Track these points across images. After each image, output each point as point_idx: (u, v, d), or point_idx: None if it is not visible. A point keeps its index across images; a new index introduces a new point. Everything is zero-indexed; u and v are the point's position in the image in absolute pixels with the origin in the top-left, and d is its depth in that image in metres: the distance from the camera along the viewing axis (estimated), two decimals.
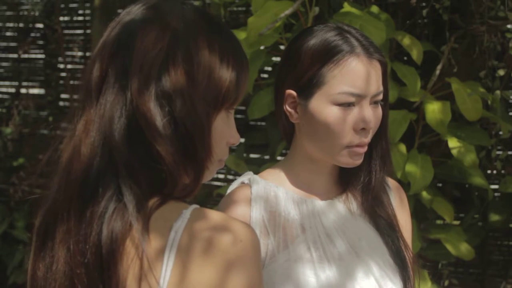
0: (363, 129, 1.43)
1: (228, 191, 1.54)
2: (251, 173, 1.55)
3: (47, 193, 1.12)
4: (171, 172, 1.06)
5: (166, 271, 1.01)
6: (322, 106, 1.43)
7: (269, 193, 1.50)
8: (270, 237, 1.46)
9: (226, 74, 1.09)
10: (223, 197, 1.54)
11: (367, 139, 1.44)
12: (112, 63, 1.08)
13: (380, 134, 1.50)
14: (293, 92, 1.47)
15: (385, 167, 1.52)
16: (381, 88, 1.45)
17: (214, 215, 1.05)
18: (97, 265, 1.04)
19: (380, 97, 1.45)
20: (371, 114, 1.43)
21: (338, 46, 1.43)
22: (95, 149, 1.07)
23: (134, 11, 1.12)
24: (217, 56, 1.09)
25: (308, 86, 1.44)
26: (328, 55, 1.43)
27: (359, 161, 1.47)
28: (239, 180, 1.55)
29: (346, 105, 1.42)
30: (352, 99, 1.42)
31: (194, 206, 1.07)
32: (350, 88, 1.41)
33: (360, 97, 1.42)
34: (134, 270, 1.03)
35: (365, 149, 1.45)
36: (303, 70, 1.45)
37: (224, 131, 1.13)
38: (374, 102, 1.45)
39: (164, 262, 1.02)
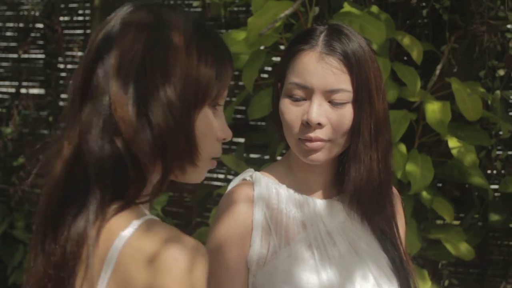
0: (308, 123, 1.43)
1: (229, 187, 1.54)
2: (252, 170, 1.56)
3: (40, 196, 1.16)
4: (141, 175, 1.08)
5: (104, 278, 1.03)
6: (282, 97, 1.49)
7: (271, 191, 1.51)
8: (272, 234, 1.47)
9: (204, 72, 1.11)
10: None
11: (314, 134, 1.43)
12: (95, 68, 1.10)
13: (353, 136, 1.46)
14: (279, 84, 1.52)
15: (365, 172, 1.47)
16: (339, 86, 1.43)
17: (162, 231, 1.04)
18: (63, 266, 1.07)
19: (340, 96, 1.43)
20: (317, 109, 1.43)
21: (302, 41, 1.48)
22: (75, 152, 1.10)
23: (116, 15, 1.14)
24: (195, 54, 1.10)
25: (281, 79, 1.51)
26: (293, 50, 1.48)
27: (312, 157, 1.45)
28: (240, 176, 1.55)
29: (293, 96, 1.45)
30: (297, 90, 1.45)
31: (148, 217, 1.07)
32: (296, 79, 1.45)
33: (306, 89, 1.44)
34: (81, 274, 1.06)
35: (315, 145, 1.44)
36: (281, 63, 1.53)
37: (209, 127, 1.14)
38: (333, 101, 1.44)
39: (103, 268, 1.04)
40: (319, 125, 1.43)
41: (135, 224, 1.04)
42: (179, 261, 1.00)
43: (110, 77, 1.08)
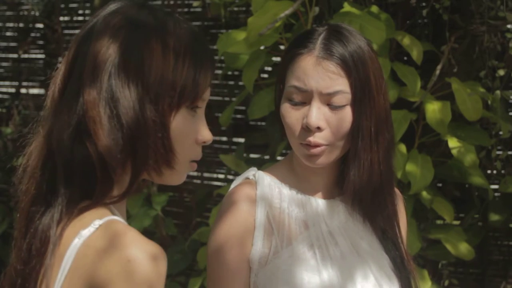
0: (308, 127, 1.43)
1: (232, 186, 1.54)
2: (255, 169, 1.55)
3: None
4: (108, 176, 1.07)
5: (62, 276, 1.04)
6: (283, 100, 1.49)
7: (274, 190, 1.51)
8: (274, 234, 1.47)
9: (181, 74, 1.09)
10: (223, 197, 1.55)
11: (314, 139, 1.43)
12: (72, 68, 1.10)
13: (353, 138, 1.46)
14: (281, 86, 1.52)
15: (366, 174, 1.47)
16: (337, 89, 1.43)
17: (120, 232, 1.02)
18: (29, 262, 1.08)
19: (338, 99, 1.43)
20: (316, 113, 1.42)
21: (301, 45, 1.47)
22: (49, 150, 1.11)
23: (100, 14, 1.13)
24: (171, 56, 1.09)
25: (282, 81, 1.50)
26: (290, 52, 1.49)
27: (314, 162, 1.45)
28: (244, 175, 1.55)
29: (293, 102, 1.45)
30: (296, 93, 1.45)
31: (111, 218, 1.06)
32: (294, 82, 1.45)
33: (305, 93, 1.44)
34: (42, 271, 1.07)
35: (316, 150, 1.44)
36: (281, 65, 1.52)
37: (187, 130, 1.12)
38: (332, 104, 1.43)
39: (61, 267, 1.04)
40: (318, 129, 1.43)
41: (96, 223, 1.04)
42: (134, 263, 0.98)
43: (85, 76, 1.07)
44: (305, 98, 1.45)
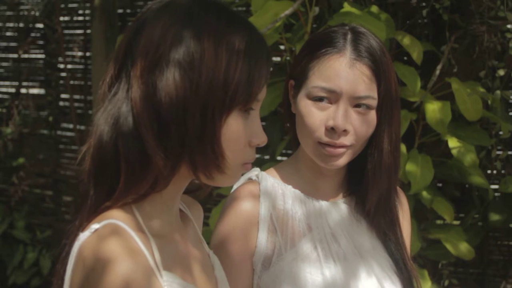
0: (333, 129, 1.41)
1: (235, 186, 1.53)
2: (258, 169, 1.54)
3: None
4: (131, 174, 1.04)
5: (67, 279, 1.03)
6: (301, 99, 1.46)
7: (277, 191, 1.50)
8: (277, 235, 1.46)
9: (233, 74, 1.03)
10: (223, 197, 1.54)
11: (339, 141, 1.42)
12: (122, 64, 1.07)
13: (373, 142, 1.47)
14: (292, 82, 1.50)
15: (380, 179, 1.48)
16: (368, 93, 1.42)
17: (103, 241, 1.00)
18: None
19: (367, 101, 1.42)
20: (344, 116, 1.41)
21: (326, 44, 1.45)
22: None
23: (148, 10, 1.09)
24: (224, 55, 1.03)
25: (298, 78, 1.48)
26: (315, 51, 1.46)
27: (333, 163, 1.44)
28: (246, 176, 1.54)
29: (317, 99, 1.42)
30: (323, 94, 1.42)
31: (109, 221, 1.03)
32: (322, 83, 1.42)
33: (333, 93, 1.42)
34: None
35: (338, 151, 1.42)
36: (297, 61, 1.50)
37: (239, 134, 1.06)
38: (358, 106, 1.42)
39: (67, 269, 1.04)
40: (345, 131, 1.42)
41: (93, 228, 1.02)
42: (99, 270, 0.96)
43: (133, 77, 1.03)
44: (332, 99, 1.43)
